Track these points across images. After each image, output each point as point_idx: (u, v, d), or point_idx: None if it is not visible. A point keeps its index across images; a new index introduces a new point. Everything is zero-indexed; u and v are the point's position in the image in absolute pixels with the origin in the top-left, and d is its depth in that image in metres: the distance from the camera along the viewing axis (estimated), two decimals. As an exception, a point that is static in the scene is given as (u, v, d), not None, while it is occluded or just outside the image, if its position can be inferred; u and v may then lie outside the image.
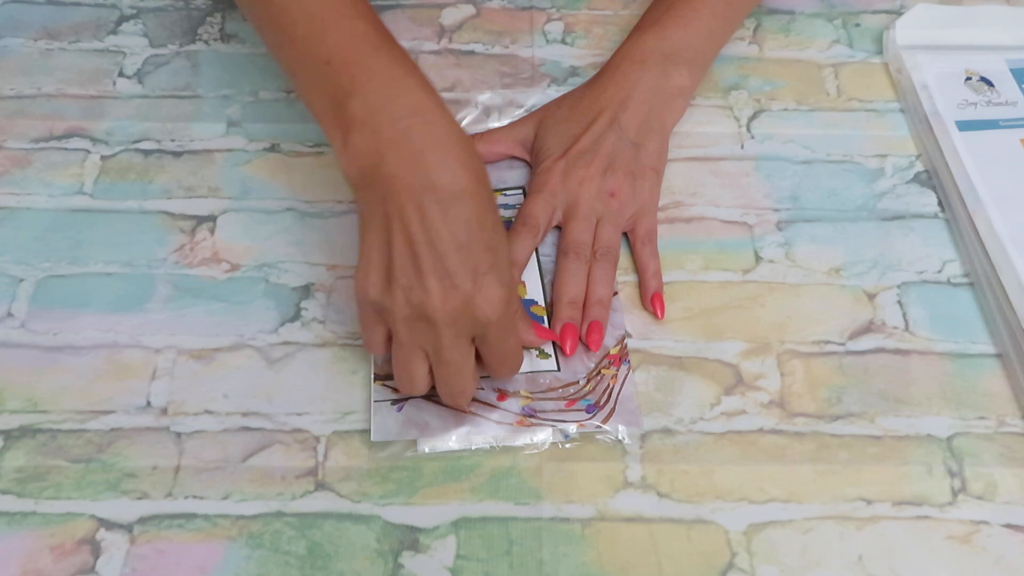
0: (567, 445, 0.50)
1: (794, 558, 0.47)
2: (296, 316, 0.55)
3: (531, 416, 0.50)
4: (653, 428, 0.51)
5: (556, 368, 0.52)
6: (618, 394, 0.51)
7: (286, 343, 0.54)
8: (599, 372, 0.52)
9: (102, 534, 0.47)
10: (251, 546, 0.47)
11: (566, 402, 0.51)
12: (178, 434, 0.50)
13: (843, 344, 0.54)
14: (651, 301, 0.55)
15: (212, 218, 0.59)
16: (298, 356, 0.53)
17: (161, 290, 0.56)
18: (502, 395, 0.51)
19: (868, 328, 0.55)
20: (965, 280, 0.57)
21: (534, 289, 0.55)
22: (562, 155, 0.58)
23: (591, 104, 0.59)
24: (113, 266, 0.57)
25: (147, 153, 0.62)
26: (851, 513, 0.48)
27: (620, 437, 0.50)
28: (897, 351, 0.54)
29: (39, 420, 0.50)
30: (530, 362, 0.52)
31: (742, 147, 0.63)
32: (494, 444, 0.50)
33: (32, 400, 0.51)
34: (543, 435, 0.50)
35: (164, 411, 0.51)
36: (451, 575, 0.46)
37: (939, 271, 0.58)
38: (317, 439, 0.50)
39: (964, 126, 0.63)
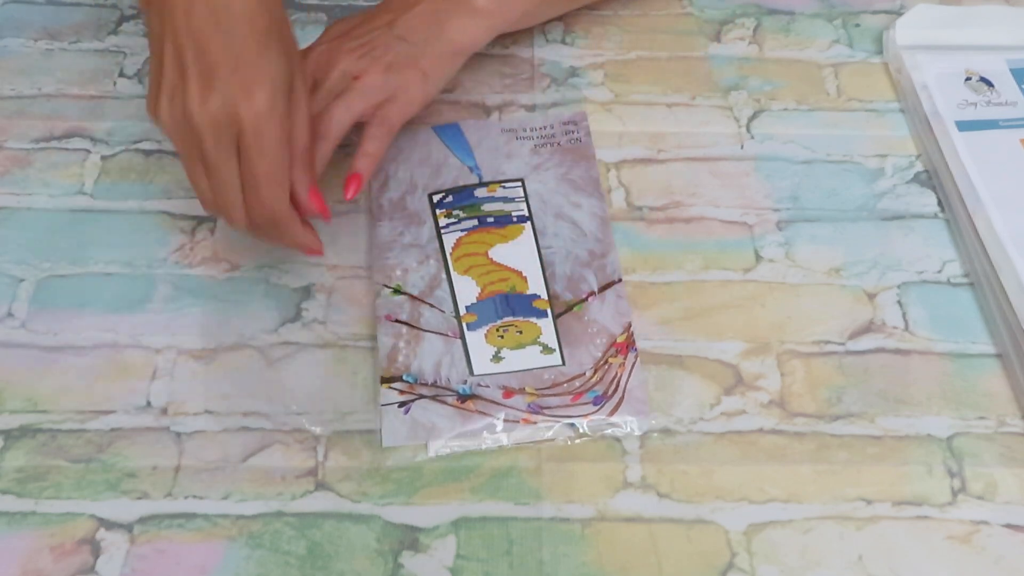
0: (577, 441, 0.50)
1: (794, 558, 0.47)
2: (297, 317, 0.55)
3: (537, 413, 0.50)
4: (653, 428, 0.51)
5: (561, 362, 0.52)
6: (626, 383, 0.51)
7: (286, 343, 0.54)
8: (606, 361, 0.52)
9: (102, 534, 0.47)
10: (251, 546, 0.47)
11: (572, 396, 0.51)
12: (178, 434, 0.50)
13: (843, 344, 0.54)
14: (347, 179, 0.55)
15: (212, 218, 0.59)
16: (298, 356, 0.53)
17: (161, 290, 0.56)
18: (508, 393, 0.51)
19: (868, 328, 0.55)
20: (965, 280, 0.57)
21: (536, 283, 0.55)
22: (334, 39, 0.58)
23: (381, 7, 0.60)
24: (113, 266, 0.57)
25: (148, 153, 0.62)
26: (851, 513, 0.48)
27: (630, 430, 0.50)
28: (897, 351, 0.54)
29: (39, 420, 0.50)
30: (535, 358, 0.52)
31: (742, 147, 0.63)
32: (503, 444, 0.50)
33: (32, 400, 0.51)
34: (550, 432, 0.50)
35: (164, 411, 0.51)
36: (451, 575, 0.46)
37: (939, 271, 0.58)
38: (317, 439, 0.50)
39: (964, 126, 0.63)
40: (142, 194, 0.60)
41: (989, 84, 0.66)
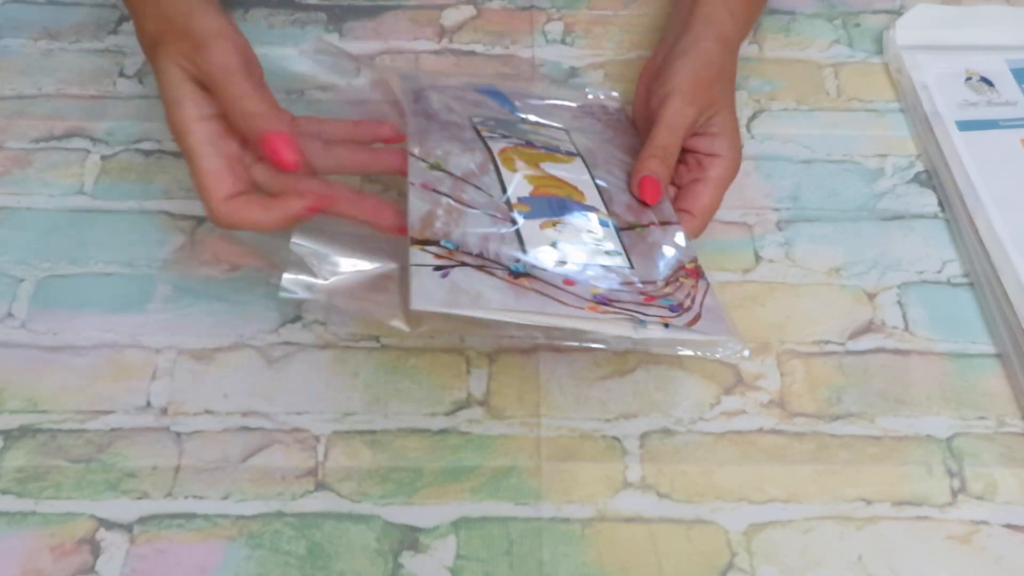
0: (637, 340, 0.44)
1: (794, 558, 0.47)
2: (297, 317, 0.55)
3: (605, 304, 0.43)
4: (653, 428, 0.51)
5: (629, 265, 0.46)
6: (703, 301, 0.46)
7: (287, 343, 0.54)
8: (677, 279, 0.46)
9: (102, 534, 0.47)
10: (251, 546, 0.47)
11: (644, 297, 0.44)
12: (178, 434, 0.50)
13: (843, 344, 0.54)
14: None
15: (212, 218, 0.59)
16: (299, 356, 0.53)
17: (161, 290, 0.56)
18: (569, 280, 0.44)
19: (868, 328, 0.55)
20: (965, 280, 0.57)
21: (594, 199, 0.50)
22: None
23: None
24: (113, 266, 0.57)
25: (147, 153, 0.62)
26: (851, 513, 0.48)
27: (722, 349, 0.46)
28: (897, 351, 0.54)
29: (39, 420, 0.51)
30: (597, 256, 0.46)
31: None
32: (562, 325, 0.42)
33: (32, 400, 0.51)
34: (617, 327, 0.42)
35: (164, 411, 0.51)
36: (451, 575, 0.46)
37: (939, 271, 0.58)
38: (317, 439, 0.50)
39: (964, 126, 0.63)
40: (142, 194, 0.60)
41: (989, 84, 0.66)
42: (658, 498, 0.49)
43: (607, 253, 0.47)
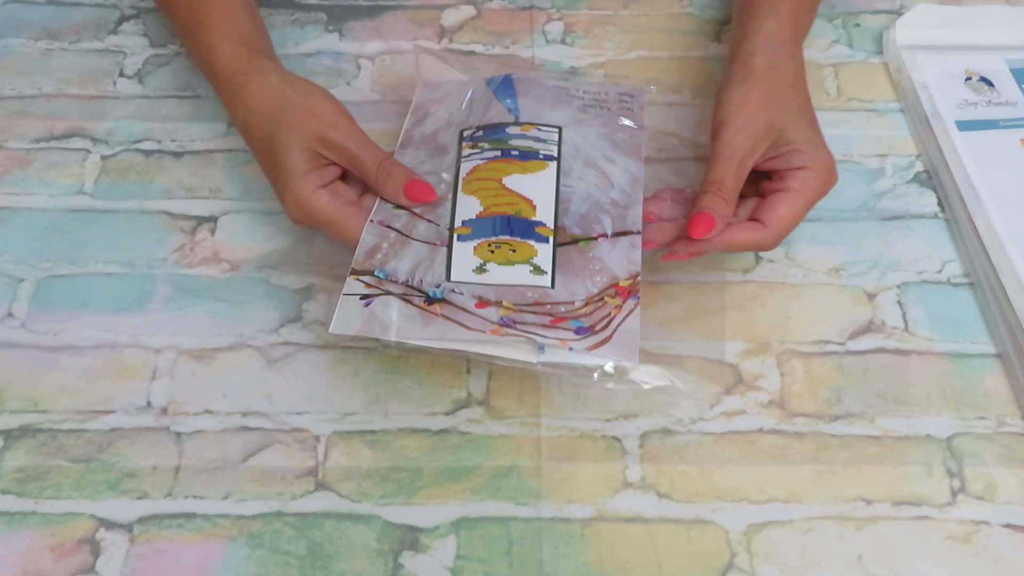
0: (541, 364, 0.47)
1: (794, 558, 0.47)
2: (298, 317, 0.55)
3: (508, 327, 0.47)
4: (653, 428, 0.51)
5: (551, 285, 0.49)
6: (619, 324, 0.48)
7: (287, 343, 0.54)
8: (601, 299, 0.49)
9: (102, 534, 0.47)
10: (251, 546, 0.47)
11: (551, 319, 0.48)
12: (178, 434, 0.50)
13: (843, 344, 0.54)
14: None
15: (213, 219, 0.59)
16: (298, 356, 0.53)
17: (161, 290, 0.56)
18: (482, 303, 0.49)
19: (868, 328, 0.55)
20: (965, 280, 0.57)
21: (545, 212, 0.53)
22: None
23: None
24: (113, 266, 0.57)
25: (148, 153, 0.62)
26: (851, 513, 0.48)
27: (607, 368, 0.47)
28: (897, 351, 0.54)
29: (39, 420, 0.51)
30: (522, 276, 0.50)
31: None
32: (464, 349, 0.48)
33: (32, 400, 0.51)
34: (517, 351, 0.47)
35: (164, 411, 0.51)
36: (451, 575, 0.46)
37: (939, 271, 0.58)
38: (317, 439, 0.50)
39: (964, 126, 0.63)
40: (142, 194, 0.60)
41: (989, 84, 0.66)
42: (658, 498, 0.49)
43: (533, 271, 0.51)
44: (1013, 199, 0.58)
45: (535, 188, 0.54)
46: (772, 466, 0.50)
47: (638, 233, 0.53)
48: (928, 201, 0.61)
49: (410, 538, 0.47)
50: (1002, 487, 0.49)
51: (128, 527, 0.47)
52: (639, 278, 0.51)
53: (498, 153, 0.56)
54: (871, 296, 0.56)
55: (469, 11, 0.72)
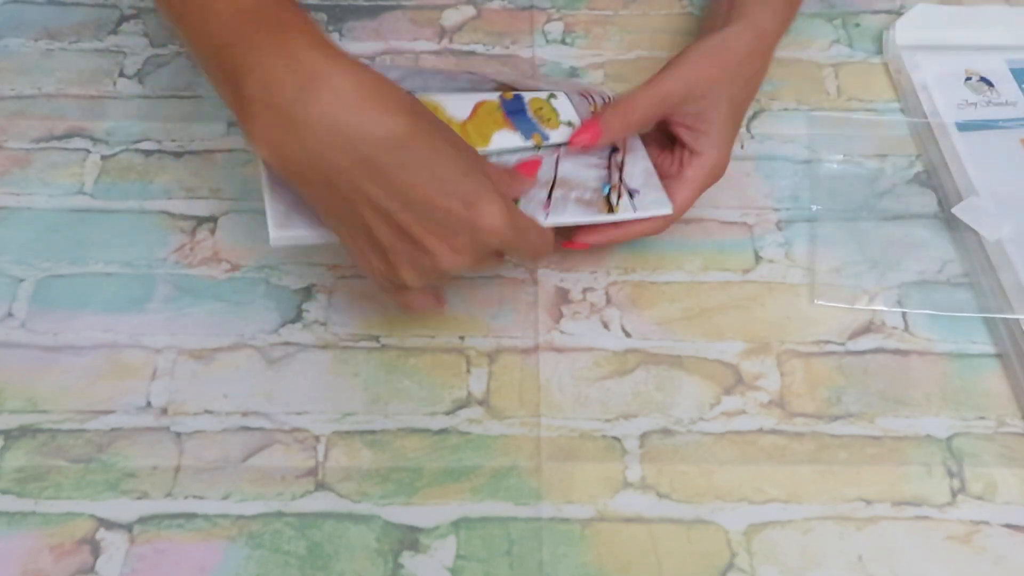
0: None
1: (794, 558, 0.47)
2: (298, 317, 0.55)
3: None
4: (653, 428, 0.51)
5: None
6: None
7: (287, 343, 0.54)
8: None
9: (102, 534, 0.47)
10: (251, 546, 0.47)
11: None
12: (178, 434, 0.50)
13: (843, 344, 0.54)
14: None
15: (213, 219, 0.59)
16: (298, 356, 0.53)
17: (161, 290, 0.56)
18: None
19: (868, 328, 0.55)
20: (965, 280, 0.57)
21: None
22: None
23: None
24: (113, 266, 0.57)
25: (148, 153, 0.62)
26: (851, 513, 0.48)
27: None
28: (897, 351, 0.54)
29: (39, 420, 0.51)
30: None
31: (742, 147, 0.63)
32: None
33: (32, 400, 0.51)
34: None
35: (164, 411, 0.51)
36: (451, 575, 0.46)
37: (939, 271, 0.58)
38: (317, 439, 0.50)
39: (964, 126, 0.63)
40: (142, 194, 0.60)
41: (989, 84, 0.66)
42: (658, 498, 0.49)
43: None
44: (1013, 199, 0.58)
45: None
46: (772, 466, 0.50)
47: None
48: (928, 201, 0.61)
49: (410, 538, 0.47)
50: (1002, 487, 0.49)
51: (128, 527, 0.47)
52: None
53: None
54: (871, 296, 0.56)
55: (469, 11, 0.72)
